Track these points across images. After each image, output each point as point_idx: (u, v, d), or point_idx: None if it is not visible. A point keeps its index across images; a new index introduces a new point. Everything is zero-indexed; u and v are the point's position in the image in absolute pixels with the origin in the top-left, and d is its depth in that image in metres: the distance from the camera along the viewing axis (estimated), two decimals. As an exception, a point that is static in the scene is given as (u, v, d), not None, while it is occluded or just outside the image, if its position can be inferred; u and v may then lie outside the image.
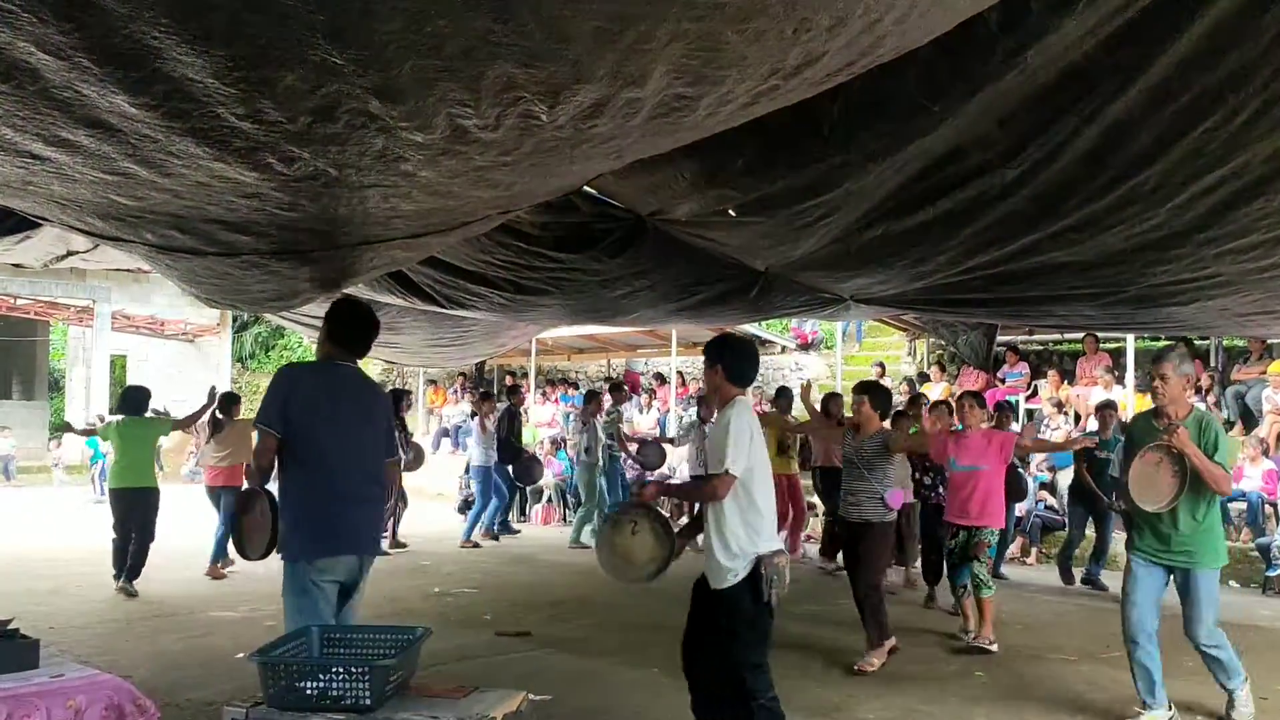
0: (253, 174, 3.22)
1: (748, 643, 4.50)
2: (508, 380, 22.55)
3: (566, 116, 3.04)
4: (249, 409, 11.32)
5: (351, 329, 4.59)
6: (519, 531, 14.56)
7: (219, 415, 10.61)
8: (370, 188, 3.58)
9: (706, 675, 4.64)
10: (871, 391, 7.29)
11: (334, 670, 3.29)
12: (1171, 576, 5.44)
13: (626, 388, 16.81)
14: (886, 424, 7.48)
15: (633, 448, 13.69)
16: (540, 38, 2.49)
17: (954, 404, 8.87)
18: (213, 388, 10.72)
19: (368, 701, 3.25)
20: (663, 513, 4.71)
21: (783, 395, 12.28)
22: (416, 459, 12.93)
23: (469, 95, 2.73)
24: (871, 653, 6.73)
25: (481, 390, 17.38)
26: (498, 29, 2.39)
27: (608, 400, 13.80)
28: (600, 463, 13.20)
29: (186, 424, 10.90)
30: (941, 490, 8.58)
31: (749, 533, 4.44)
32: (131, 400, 9.83)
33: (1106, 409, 10.49)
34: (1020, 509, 12.07)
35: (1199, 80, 3.80)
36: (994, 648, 7.13)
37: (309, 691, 3.26)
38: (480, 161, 3.44)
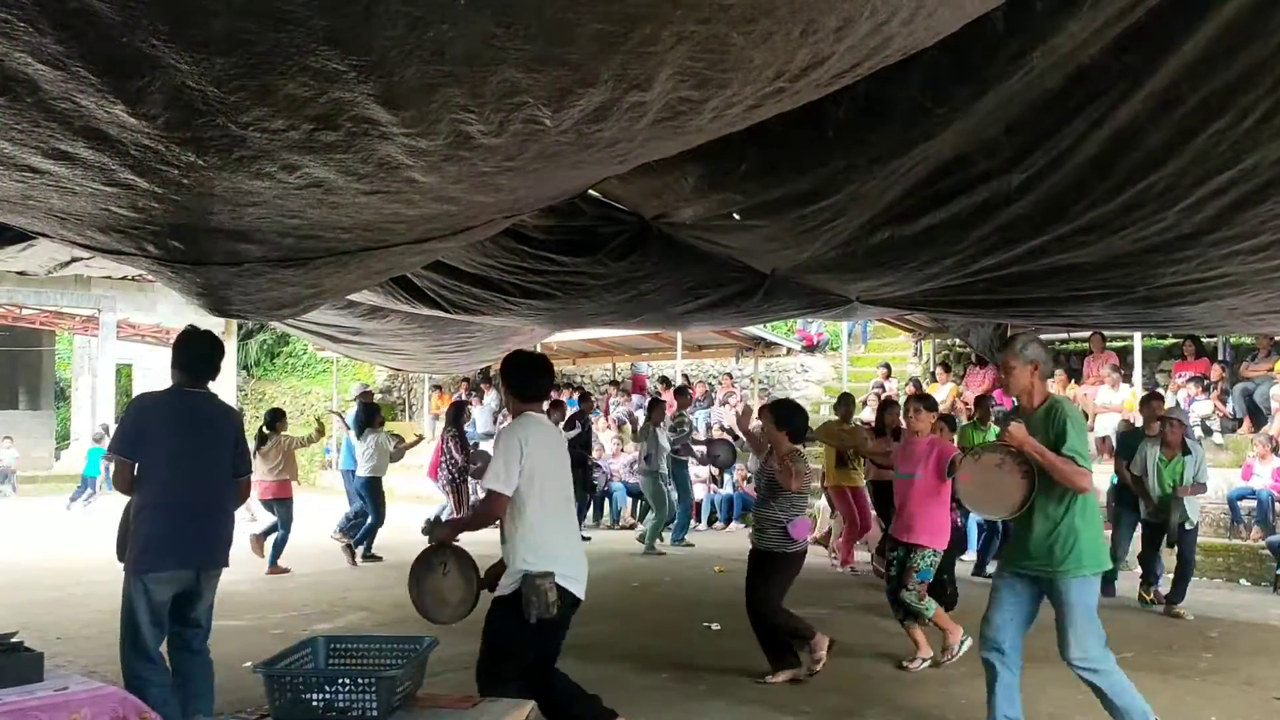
0: (255, 183, 3.19)
1: (499, 651, 4.56)
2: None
3: (570, 121, 3.02)
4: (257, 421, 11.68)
5: (194, 357, 5.09)
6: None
7: (265, 430, 11.13)
8: (372, 194, 3.55)
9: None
10: (778, 409, 6.70)
11: (340, 682, 3.27)
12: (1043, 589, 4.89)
13: (691, 392, 16.67)
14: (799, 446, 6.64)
15: (700, 450, 13.63)
16: (543, 41, 2.47)
17: (903, 406, 8.26)
18: (319, 418, 11.85)
19: (374, 714, 3.23)
20: (467, 552, 4.64)
21: (843, 403, 11.61)
22: (727, 454, 13.66)
23: (472, 101, 2.70)
24: (780, 672, 6.47)
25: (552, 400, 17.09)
26: (500, 33, 2.36)
27: (672, 406, 13.74)
28: (662, 470, 13.05)
29: (306, 443, 11.78)
30: None
31: (525, 550, 4.47)
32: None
33: None
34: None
35: (1208, 82, 3.77)
36: (951, 656, 6.86)
37: (315, 704, 3.24)
38: (484, 167, 3.41)
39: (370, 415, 12.63)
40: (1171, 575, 9.24)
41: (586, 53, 2.57)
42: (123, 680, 4.56)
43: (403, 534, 12.43)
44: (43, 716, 3.23)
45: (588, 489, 14.25)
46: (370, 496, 12.16)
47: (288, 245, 4.23)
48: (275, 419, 11.37)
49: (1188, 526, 9.00)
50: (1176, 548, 9.12)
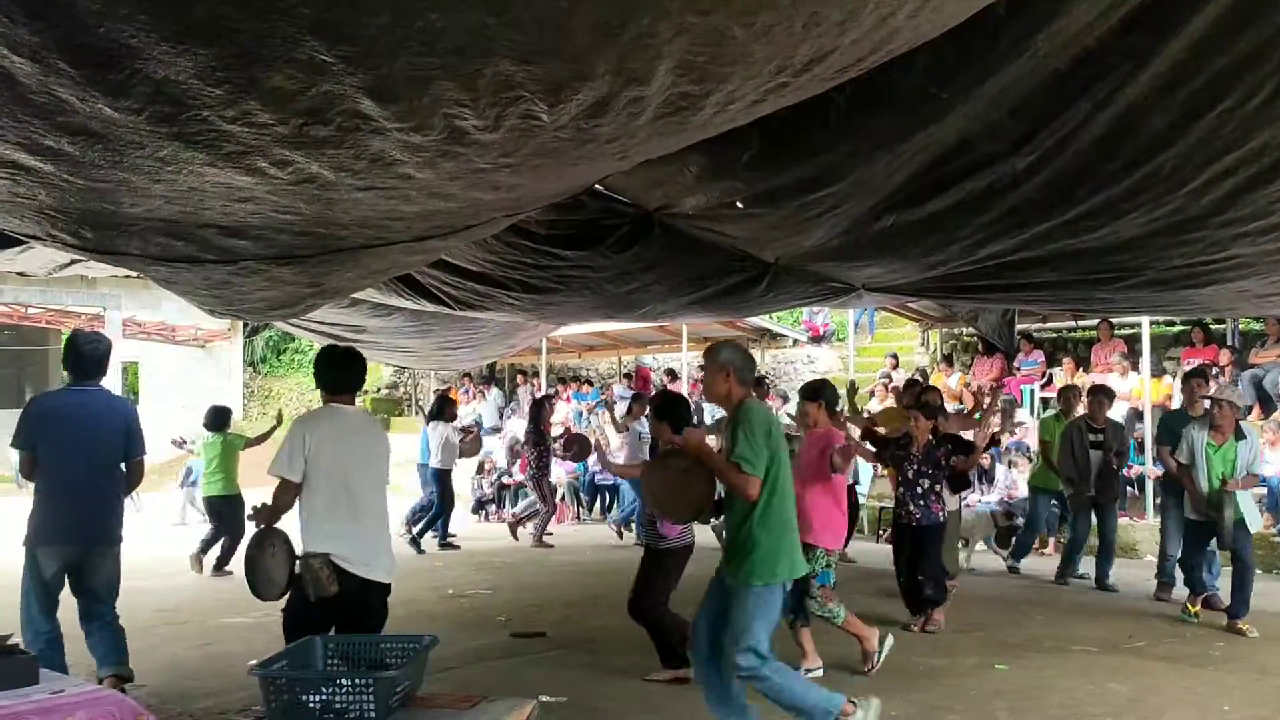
0: (246, 178, 3.15)
1: (290, 625, 4.76)
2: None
3: (568, 116, 2.96)
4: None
5: (81, 359, 5.72)
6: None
7: None
8: (368, 190, 3.50)
9: None
10: (660, 402, 6.50)
11: (338, 683, 3.23)
12: None
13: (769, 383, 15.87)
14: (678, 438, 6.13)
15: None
16: (538, 33, 2.42)
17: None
18: (280, 410, 12.12)
19: (372, 714, 3.19)
20: (287, 535, 4.76)
21: (911, 388, 10.98)
22: (583, 449, 13.37)
23: (466, 95, 2.65)
24: (666, 670, 6.33)
25: (634, 392, 16.91)
26: (492, 23, 2.31)
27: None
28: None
29: (258, 441, 11.30)
30: (913, 507, 7.66)
31: (306, 533, 4.73)
32: (218, 418, 11.10)
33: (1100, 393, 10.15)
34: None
35: (1213, 61, 3.70)
36: (869, 666, 6.41)
37: (312, 705, 3.21)
38: (481, 164, 3.36)
39: (441, 409, 13.15)
40: (1230, 584, 7.76)
41: (582, 45, 2.51)
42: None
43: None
44: (38, 721, 3.19)
45: None
46: (437, 487, 12.69)
47: (283, 242, 4.19)
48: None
49: (1251, 527, 7.69)
50: (1231, 551, 7.67)
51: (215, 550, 10.69)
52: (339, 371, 5.04)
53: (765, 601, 4.55)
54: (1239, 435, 7.70)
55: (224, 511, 10.67)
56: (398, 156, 3.07)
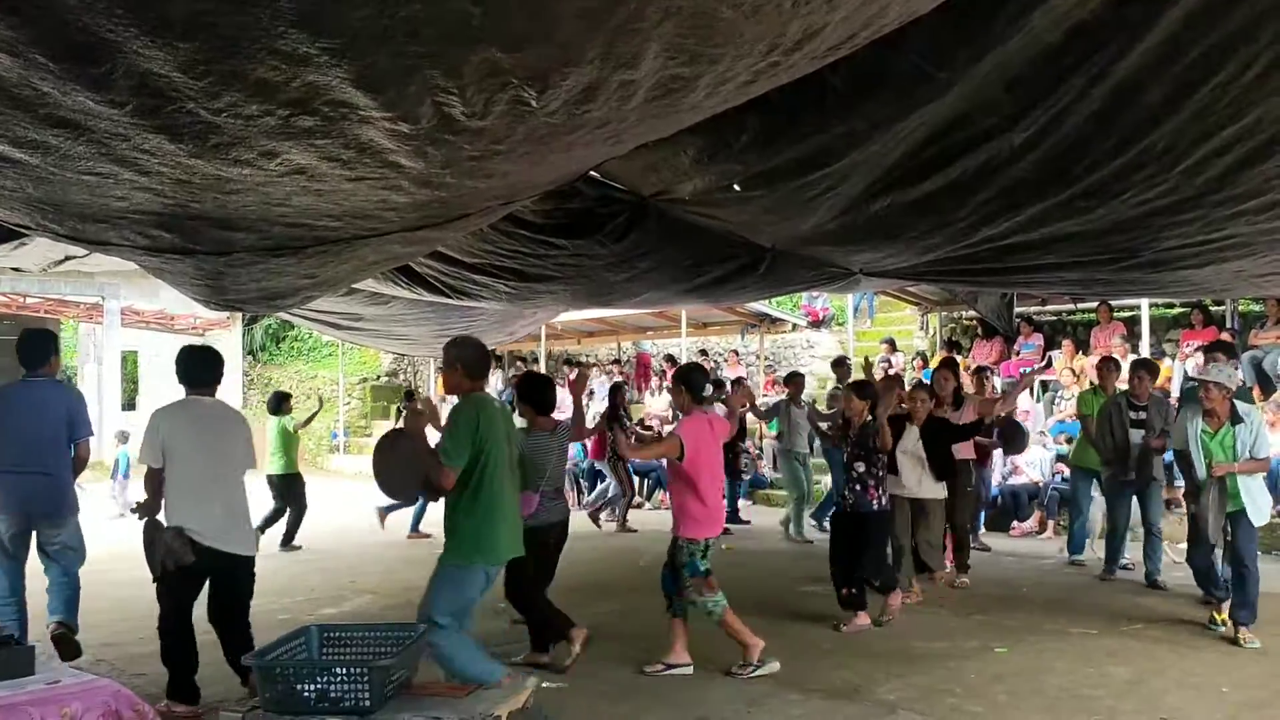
0: (235, 170, 3.13)
1: (159, 590, 5.39)
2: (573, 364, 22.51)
3: (558, 102, 2.95)
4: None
5: (28, 351, 6.27)
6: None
7: None
8: (359, 181, 3.49)
9: None
10: (520, 382, 6.72)
11: (332, 672, 3.24)
12: None
13: (848, 362, 14.29)
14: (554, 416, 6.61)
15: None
16: (523, 20, 2.40)
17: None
18: (320, 396, 13.01)
19: (367, 703, 3.19)
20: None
21: (840, 365, 10.95)
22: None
23: (452, 83, 2.63)
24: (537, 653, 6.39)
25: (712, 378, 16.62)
26: (476, 12, 2.29)
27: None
28: (797, 450, 11.97)
29: (306, 424, 12.46)
30: (847, 493, 7.37)
31: (166, 511, 5.29)
32: (278, 402, 11.91)
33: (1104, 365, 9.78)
34: (1039, 481, 11.98)
35: (1208, 34, 3.68)
36: (689, 669, 6.14)
37: (307, 694, 3.21)
38: (471, 151, 3.35)
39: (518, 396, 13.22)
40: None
41: (570, 31, 2.50)
42: None
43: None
44: (33, 711, 3.19)
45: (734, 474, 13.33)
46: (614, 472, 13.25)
47: (277, 234, 4.17)
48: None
49: (1255, 520, 6.79)
50: (1230, 548, 6.84)
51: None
52: (198, 369, 5.59)
53: (453, 580, 4.86)
54: (1235, 419, 6.79)
55: (284, 489, 11.35)
56: (387, 145, 3.06)
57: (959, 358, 14.49)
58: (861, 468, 7.19)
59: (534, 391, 6.51)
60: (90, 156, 2.90)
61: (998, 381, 13.19)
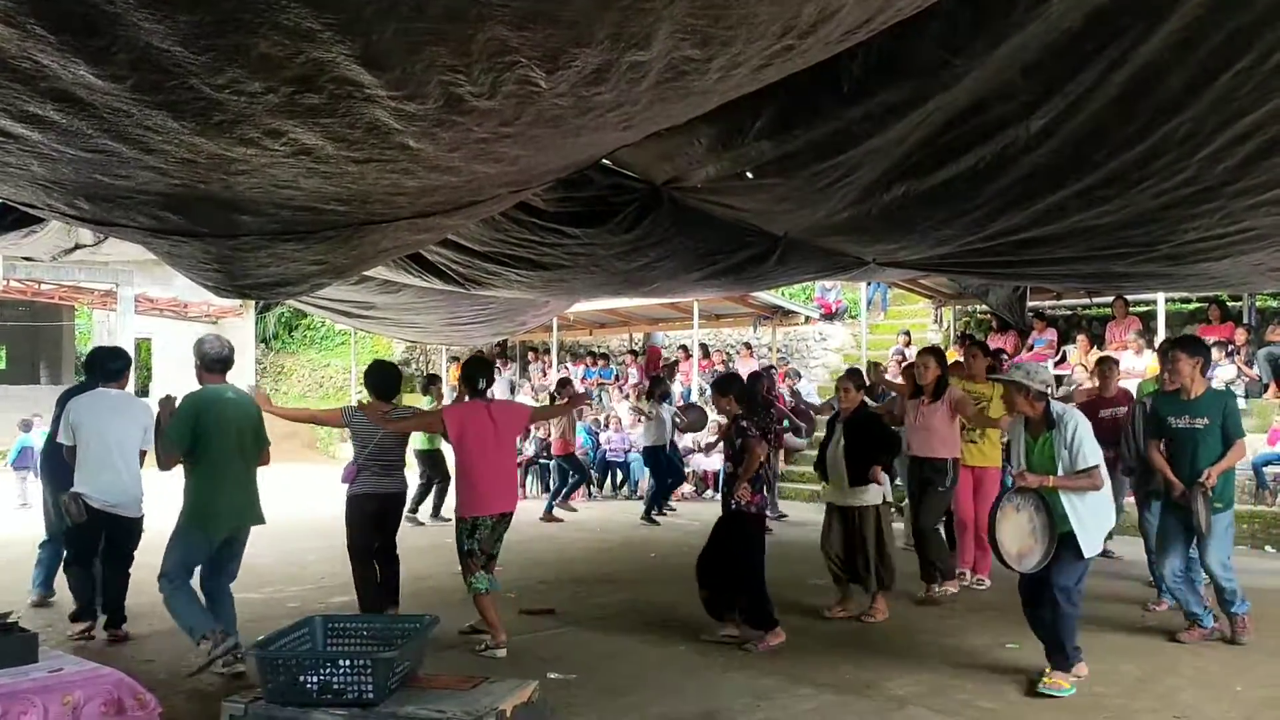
0: (240, 149, 3.08)
1: (69, 544, 7.03)
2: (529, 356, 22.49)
3: (567, 84, 2.89)
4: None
5: None
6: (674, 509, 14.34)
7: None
8: (366, 163, 3.44)
9: None
10: (439, 379, 7.17)
11: (336, 663, 3.19)
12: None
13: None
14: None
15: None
16: (532, -3, 2.34)
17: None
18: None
19: (370, 695, 3.15)
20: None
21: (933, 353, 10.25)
22: (699, 419, 14.01)
23: (460, 61, 2.58)
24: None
25: (654, 376, 16.97)
26: (485, -13, 2.24)
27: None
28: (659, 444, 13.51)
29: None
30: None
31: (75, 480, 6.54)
32: (428, 384, 13.41)
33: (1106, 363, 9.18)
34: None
35: (1231, 19, 3.60)
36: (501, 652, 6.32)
37: (310, 685, 3.17)
38: (480, 133, 3.29)
39: (654, 387, 14.26)
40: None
41: (579, 9, 2.44)
42: None
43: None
44: (35, 699, 3.16)
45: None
46: (648, 463, 13.85)
47: (284, 217, 4.13)
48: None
49: (1084, 548, 5.56)
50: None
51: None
52: (107, 366, 6.86)
53: (178, 537, 5.95)
54: (1050, 424, 5.71)
55: (429, 464, 12.63)
56: (394, 126, 3.01)
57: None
58: (730, 468, 6.76)
59: (369, 376, 7.35)
60: (93, 133, 2.85)
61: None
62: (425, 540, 10.61)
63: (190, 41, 2.26)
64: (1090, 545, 5.57)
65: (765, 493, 6.86)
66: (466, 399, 6.81)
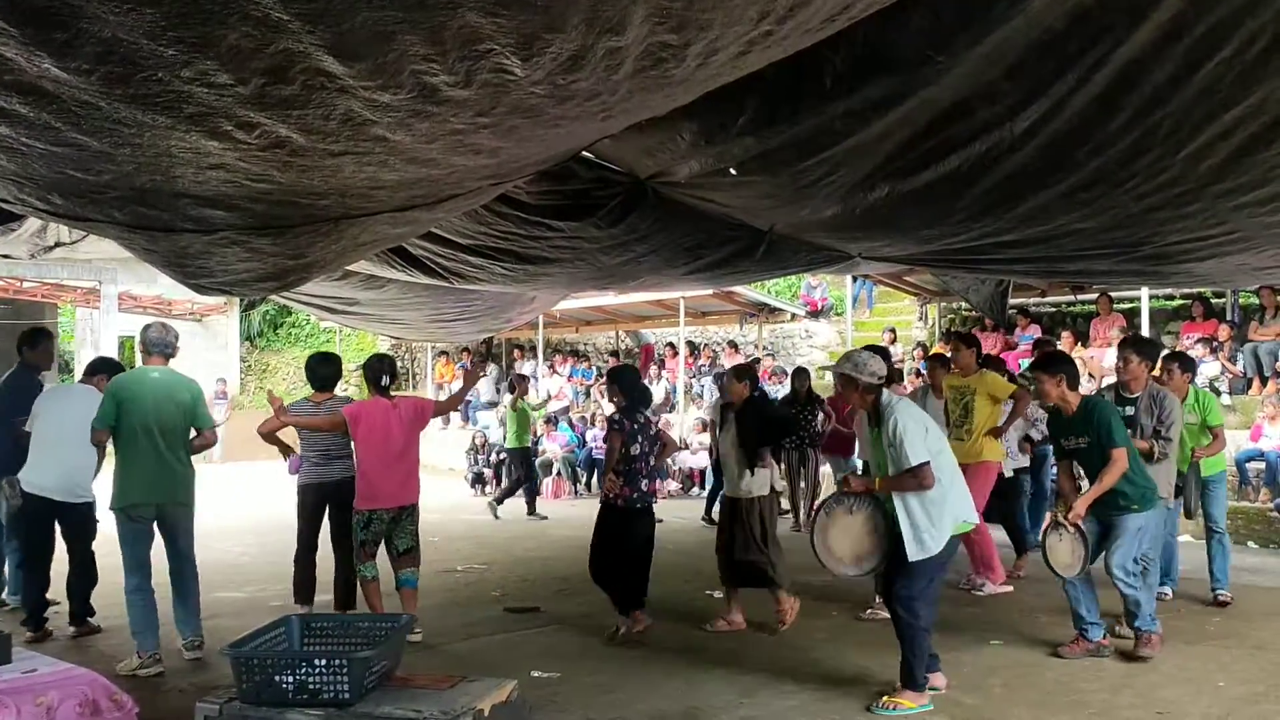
0: (213, 143, 3.04)
1: (12, 528, 7.39)
2: (516, 354, 22.45)
3: (543, 71, 2.86)
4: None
5: None
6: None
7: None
8: (342, 155, 3.40)
9: None
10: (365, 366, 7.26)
11: (311, 663, 3.16)
12: None
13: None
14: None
15: None
16: (504, -18, 2.31)
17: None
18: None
19: (347, 695, 3.12)
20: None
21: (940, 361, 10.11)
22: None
23: (433, 49, 2.54)
24: None
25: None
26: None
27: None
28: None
29: (538, 407, 15.42)
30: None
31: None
32: (513, 386, 14.81)
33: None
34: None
35: (1213, 10, 3.58)
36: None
37: (285, 686, 3.13)
38: (456, 124, 3.26)
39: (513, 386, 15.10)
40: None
41: (551, -6, 2.41)
42: None
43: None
44: (8, 701, 3.12)
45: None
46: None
47: (260, 212, 4.08)
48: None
49: (910, 552, 5.19)
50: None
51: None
52: (46, 357, 7.77)
53: (117, 528, 6.20)
54: (878, 419, 5.37)
55: (518, 461, 13.97)
56: (368, 117, 2.97)
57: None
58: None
59: (308, 368, 7.70)
60: (61, 127, 2.80)
61: None
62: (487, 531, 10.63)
63: (157, 34, 2.22)
64: (916, 549, 5.11)
65: (642, 484, 6.90)
66: (373, 396, 7.01)
